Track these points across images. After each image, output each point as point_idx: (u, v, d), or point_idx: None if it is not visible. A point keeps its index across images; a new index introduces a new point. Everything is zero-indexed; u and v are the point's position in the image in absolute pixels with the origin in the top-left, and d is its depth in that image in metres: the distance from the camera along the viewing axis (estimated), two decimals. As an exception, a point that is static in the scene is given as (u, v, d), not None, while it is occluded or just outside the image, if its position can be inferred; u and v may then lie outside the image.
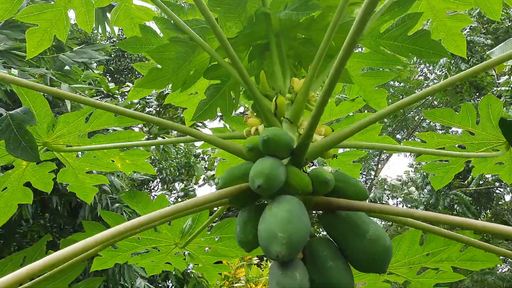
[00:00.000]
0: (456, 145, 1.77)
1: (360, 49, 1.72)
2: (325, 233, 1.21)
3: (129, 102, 7.85)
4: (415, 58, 1.49)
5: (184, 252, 1.92)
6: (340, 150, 1.93)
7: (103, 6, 1.60)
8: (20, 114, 1.24)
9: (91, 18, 1.62)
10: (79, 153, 1.70)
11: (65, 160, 1.67)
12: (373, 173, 19.69)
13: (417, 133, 1.75)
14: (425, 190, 15.03)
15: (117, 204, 6.09)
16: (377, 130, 1.76)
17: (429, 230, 1.18)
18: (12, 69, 4.85)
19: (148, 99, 8.70)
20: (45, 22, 1.57)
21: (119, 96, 7.03)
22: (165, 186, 10.77)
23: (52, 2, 1.56)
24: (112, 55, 14.12)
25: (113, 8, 1.68)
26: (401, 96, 16.37)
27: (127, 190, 6.48)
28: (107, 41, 14.12)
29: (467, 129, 1.66)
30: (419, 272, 1.80)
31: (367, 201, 1.07)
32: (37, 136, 1.48)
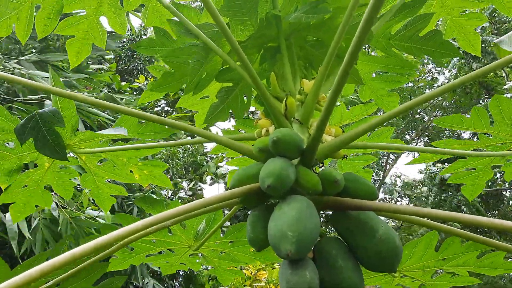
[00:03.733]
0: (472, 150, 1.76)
1: (374, 53, 1.72)
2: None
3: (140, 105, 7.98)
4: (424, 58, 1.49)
5: (199, 254, 1.94)
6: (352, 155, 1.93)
7: (133, 8, 1.66)
8: (48, 114, 1.27)
9: (123, 21, 1.68)
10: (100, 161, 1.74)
11: (86, 166, 1.71)
12: (381, 173, 19.62)
13: (433, 142, 1.74)
14: (432, 192, 14.88)
15: (129, 202, 6.20)
16: (389, 133, 1.75)
17: (441, 229, 1.18)
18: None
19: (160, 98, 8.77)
20: (81, 32, 1.65)
21: (129, 94, 7.13)
22: (173, 185, 10.84)
23: (84, 13, 1.64)
24: (122, 56, 14.33)
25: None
26: (409, 97, 16.23)
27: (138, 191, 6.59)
28: (119, 41, 14.35)
29: (482, 131, 1.64)
30: (434, 275, 1.78)
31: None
32: (60, 138, 1.53)
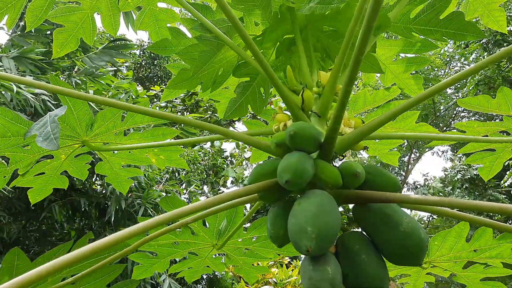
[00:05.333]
0: (498, 132, 1.69)
1: (394, 37, 1.67)
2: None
3: (157, 108, 8.09)
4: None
5: (222, 254, 1.94)
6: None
7: (128, 10, 1.64)
8: (57, 111, 1.31)
9: (116, 22, 1.65)
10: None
11: (102, 155, 1.74)
12: (403, 173, 19.24)
13: (455, 123, 1.68)
14: (458, 190, 14.65)
15: (139, 200, 6.33)
16: (414, 117, 1.70)
17: (470, 220, 1.14)
18: (27, 76, 4.99)
19: (174, 101, 8.84)
20: (72, 24, 1.60)
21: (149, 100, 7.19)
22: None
23: (80, 5, 1.60)
24: (142, 63, 14.57)
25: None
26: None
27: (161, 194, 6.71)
28: (137, 49, 14.63)
29: (507, 114, 1.57)
30: (466, 266, 1.74)
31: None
32: (76, 135, 1.55)
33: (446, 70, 17.70)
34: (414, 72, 1.69)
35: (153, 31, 1.69)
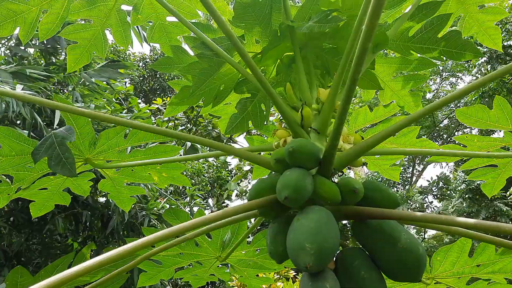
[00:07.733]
0: (500, 147, 1.70)
1: (392, 54, 1.69)
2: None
3: (162, 120, 8.12)
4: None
5: (227, 264, 1.95)
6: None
7: (138, 25, 1.68)
8: (62, 132, 1.33)
9: (127, 37, 1.70)
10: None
11: (105, 173, 1.75)
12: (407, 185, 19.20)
13: (455, 136, 1.69)
14: (465, 201, 14.58)
15: (143, 212, 6.32)
16: (414, 133, 1.71)
17: (471, 236, 1.14)
18: (17, 85, 4.97)
19: (180, 117, 8.92)
20: (84, 40, 1.66)
21: (151, 115, 7.20)
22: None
23: (91, 22, 1.65)
24: (145, 75, 14.79)
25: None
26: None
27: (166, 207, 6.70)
28: (139, 61, 14.84)
29: (508, 129, 1.58)
30: (469, 283, 1.72)
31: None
32: (79, 153, 1.57)
33: (437, 81, 17.83)
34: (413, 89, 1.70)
35: (164, 44, 1.72)
